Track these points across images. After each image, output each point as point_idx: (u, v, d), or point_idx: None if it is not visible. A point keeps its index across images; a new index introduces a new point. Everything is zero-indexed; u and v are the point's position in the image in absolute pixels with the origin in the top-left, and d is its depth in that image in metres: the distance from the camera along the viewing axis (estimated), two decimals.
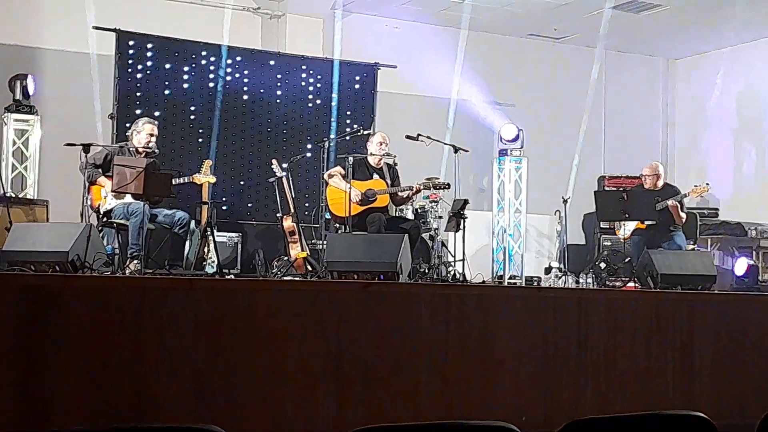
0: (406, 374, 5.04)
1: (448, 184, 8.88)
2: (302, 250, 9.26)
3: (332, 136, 10.15)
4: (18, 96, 10.00)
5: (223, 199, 10.54)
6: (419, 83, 12.52)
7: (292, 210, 9.36)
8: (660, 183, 9.84)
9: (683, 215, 9.60)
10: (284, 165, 9.61)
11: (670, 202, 9.41)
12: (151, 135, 8.38)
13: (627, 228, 9.68)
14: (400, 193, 8.94)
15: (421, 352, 5.09)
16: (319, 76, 11.38)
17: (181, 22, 11.28)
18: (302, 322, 4.82)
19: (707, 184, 9.70)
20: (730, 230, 12.14)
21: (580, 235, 12.58)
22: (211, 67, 10.83)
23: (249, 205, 10.94)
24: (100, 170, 8.23)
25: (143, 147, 8.33)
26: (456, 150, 9.10)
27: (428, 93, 12.69)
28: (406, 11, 12.36)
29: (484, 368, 5.27)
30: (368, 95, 11.61)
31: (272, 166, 9.59)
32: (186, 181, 8.50)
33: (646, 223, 9.47)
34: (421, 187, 8.90)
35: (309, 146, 10.93)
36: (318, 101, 11.34)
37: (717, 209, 12.67)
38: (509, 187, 11.88)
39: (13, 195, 9.63)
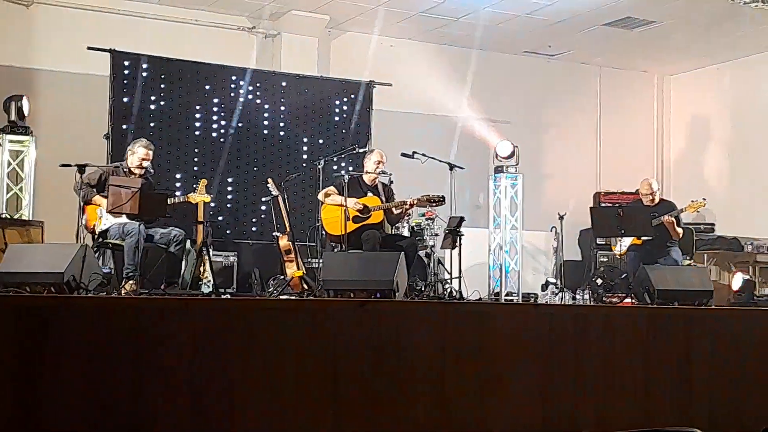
0: (404, 391, 5.03)
1: (443, 197, 8.85)
2: (298, 268, 9.24)
3: (328, 154, 10.15)
4: (13, 117, 9.99)
5: (219, 218, 10.53)
6: (415, 101, 12.56)
7: (288, 229, 9.35)
8: (656, 198, 9.86)
9: (680, 230, 9.61)
10: (280, 184, 9.60)
11: (665, 218, 9.42)
12: (143, 159, 8.38)
13: (623, 244, 9.69)
14: (395, 210, 8.92)
15: (418, 369, 5.08)
16: (314, 95, 11.40)
17: (175, 42, 11.31)
18: (299, 341, 4.80)
19: (704, 199, 9.70)
20: (726, 245, 12.15)
21: (576, 252, 12.58)
22: (206, 87, 10.84)
23: (245, 224, 10.92)
24: (94, 190, 8.23)
25: (135, 168, 8.36)
26: (452, 167, 9.11)
27: (424, 111, 12.72)
28: (401, 29, 12.40)
29: (481, 385, 5.26)
30: (364, 113, 11.63)
31: (268, 185, 9.58)
32: (181, 200, 8.50)
33: (642, 238, 9.47)
34: (415, 202, 8.85)
35: (304, 165, 10.92)
36: (313, 120, 11.35)
37: (713, 224, 12.68)
38: (505, 203, 11.87)
39: (8, 216, 9.62)
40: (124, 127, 10.31)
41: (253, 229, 10.90)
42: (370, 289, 6.77)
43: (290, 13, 11.85)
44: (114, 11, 11.30)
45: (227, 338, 4.64)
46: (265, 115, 11.14)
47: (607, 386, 5.60)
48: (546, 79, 13.76)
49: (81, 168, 7.85)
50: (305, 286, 9.07)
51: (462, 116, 12.92)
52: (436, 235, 10.18)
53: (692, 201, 9.63)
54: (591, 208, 10.42)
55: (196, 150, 10.73)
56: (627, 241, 9.63)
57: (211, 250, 9.01)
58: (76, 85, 10.89)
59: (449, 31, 12.47)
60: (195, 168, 10.60)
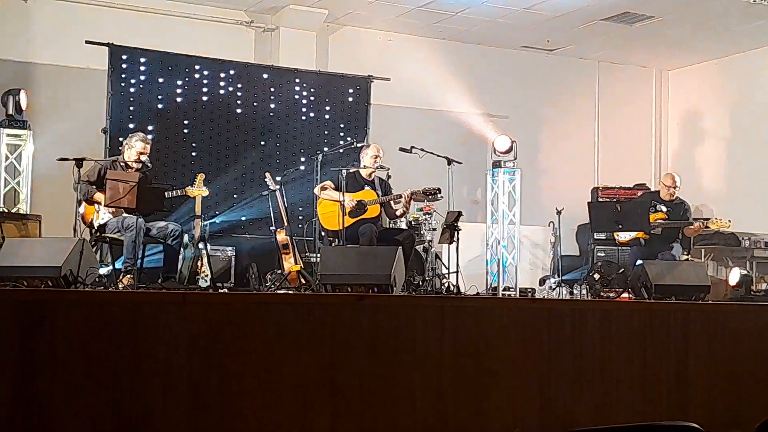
0: (401, 386, 5.03)
1: (439, 189, 8.84)
2: (296, 263, 9.25)
3: (326, 149, 10.15)
4: (11, 111, 9.99)
5: (216, 212, 10.52)
6: (412, 96, 12.54)
7: (286, 223, 9.35)
8: (676, 194, 9.92)
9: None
10: (278, 178, 9.59)
11: (696, 225, 9.59)
12: (141, 153, 8.35)
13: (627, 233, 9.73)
14: (393, 205, 8.92)
15: (415, 363, 5.09)
16: (312, 89, 11.40)
17: (174, 36, 11.30)
18: (296, 335, 4.81)
19: (729, 221, 9.79)
20: (723, 241, 12.14)
21: (574, 246, 12.58)
22: (205, 81, 10.84)
23: (242, 218, 10.90)
24: (94, 187, 8.21)
25: (133, 162, 8.33)
26: (449, 162, 9.11)
27: (421, 105, 12.71)
28: (399, 24, 12.38)
29: (478, 379, 5.26)
30: (361, 108, 11.63)
31: (266, 180, 9.58)
32: (179, 194, 8.49)
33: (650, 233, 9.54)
34: (411, 193, 8.79)
35: (302, 159, 10.93)
36: (311, 114, 11.35)
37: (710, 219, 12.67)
38: (503, 198, 11.85)
39: (6, 210, 9.63)
40: (121, 121, 10.30)
41: (251, 223, 10.89)
42: (367, 284, 6.77)
43: (288, 8, 11.83)
44: (112, 5, 11.28)
45: (225, 332, 4.65)
46: (263, 109, 11.13)
47: (604, 381, 5.61)
48: (544, 74, 13.74)
49: (78, 162, 7.83)
50: (303, 281, 9.07)
51: (460, 111, 12.90)
52: (434, 229, 10.16)
53: (717, 219, 9.74)
54: (589, 203, 10.42)
55: (194, 144, 10.73)
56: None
57: (208, 244, 9.00)
58: (74, 79, 10.88)
59: (447, 26, 12.45)
60: (192, 162, 10.59)
